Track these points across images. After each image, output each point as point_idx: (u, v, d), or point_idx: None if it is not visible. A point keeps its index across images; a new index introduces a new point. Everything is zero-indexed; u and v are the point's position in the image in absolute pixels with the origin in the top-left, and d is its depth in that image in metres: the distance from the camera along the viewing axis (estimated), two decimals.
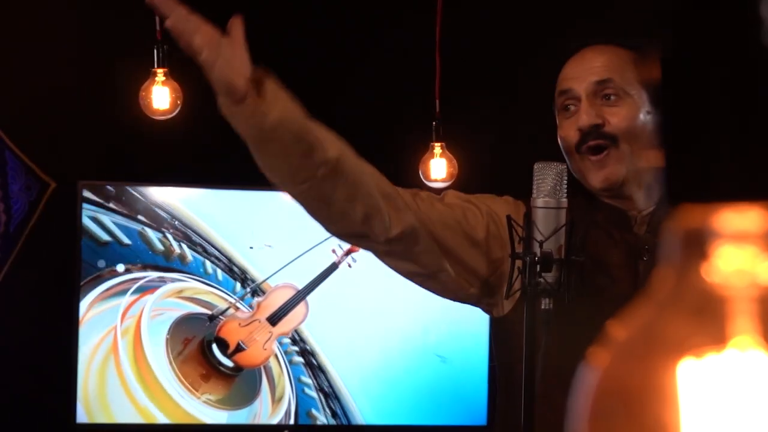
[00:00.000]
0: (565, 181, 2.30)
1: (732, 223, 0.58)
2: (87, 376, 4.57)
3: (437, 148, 4.48)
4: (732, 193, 0.58)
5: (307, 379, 4.69)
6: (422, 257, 2.39)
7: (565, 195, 2.29)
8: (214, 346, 4.63)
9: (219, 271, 4.68)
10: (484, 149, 4.77)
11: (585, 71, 2.41)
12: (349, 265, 4.65)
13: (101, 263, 4.60)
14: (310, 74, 4.97)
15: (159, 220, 4.64)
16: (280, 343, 4.67)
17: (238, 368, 4.64)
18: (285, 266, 4.68)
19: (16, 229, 4.68)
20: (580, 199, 2.37)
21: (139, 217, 4.64)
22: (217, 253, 4.66)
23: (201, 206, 4.69)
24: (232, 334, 4.65)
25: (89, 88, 4.70)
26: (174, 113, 4.13)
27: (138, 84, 4.19)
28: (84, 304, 4.56)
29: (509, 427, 2.44)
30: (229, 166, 4.87)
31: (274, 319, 4.67)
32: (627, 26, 2.49)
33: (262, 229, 4.67)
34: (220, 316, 4.65)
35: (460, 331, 4.76)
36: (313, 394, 4.69)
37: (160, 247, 4.65)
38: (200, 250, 4.66)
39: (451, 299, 2.53)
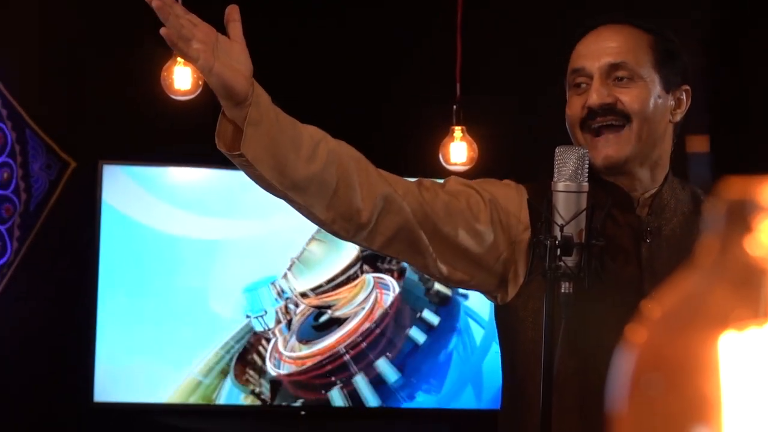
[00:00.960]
0: (587, 166, 2.29)
1: None
2: (105, 355, 4.59)
3: (457, 132, 4.47)
4: None
5: None
6: (416, 259, 2.39)
7: (586, 179, 2.28)
8: None
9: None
10: (505, 133, 4.76)
11: (599, 51, 2.40)
12: None
13: (121, 242, 4.62)
14: (331, 59, 4.97)
15: (179, 199, 4.66)
16: None
17: None
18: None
19: (37, 208, 4.70)
20: (589, 181, 2.36)
21: (159, 196, 4.65)
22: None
23: (220, 187, 4.71)
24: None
25: (111, 69, 4.71)
26: (195, 94, 4.13)
27: (160, 64, 4.19)
28: (103, 282, 4.58)
29: (516, 408, 2.44)
30: None
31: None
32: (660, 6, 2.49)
33: (279, 208, 4.68)
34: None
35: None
36: None
37: (180, 226, 4.66)
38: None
39: (455, 287, 2.55)
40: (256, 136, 2.19)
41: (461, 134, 4.47)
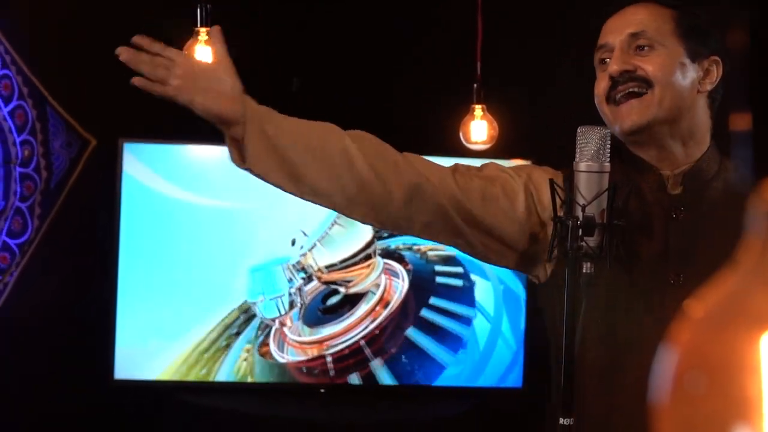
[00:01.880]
0: (609, 146, 2.29)
1: None
2: (126, 332, 4.61)
3: (478, 110, 4.47)
4: None
5: None
6: (455, 242, 2.42)
7: (608, 159, 2.28)
8: None
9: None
10: (525, 112, 4.75)
11: (621, 25, 2.42)
12: None
13: (141, 219, 4.63)
14: (353, 38, 4.96)
15: (199, 177, 4.67)
16: None
17: None
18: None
19: (57, 186, 4.71)
20: (616, 160, 2.36)
21: (179, 174, 4.66)
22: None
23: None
24: None
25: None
26: None
27: (181, 43, 4.18)
28: (123, 260, 4.60)
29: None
30: None
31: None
32: None
33: None
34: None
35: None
36: None
37: (201, 204, 4.67)
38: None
39: (496, 266, 2.56)
40: (258, 150, 2.27)
41: (482, 113, 4.46)
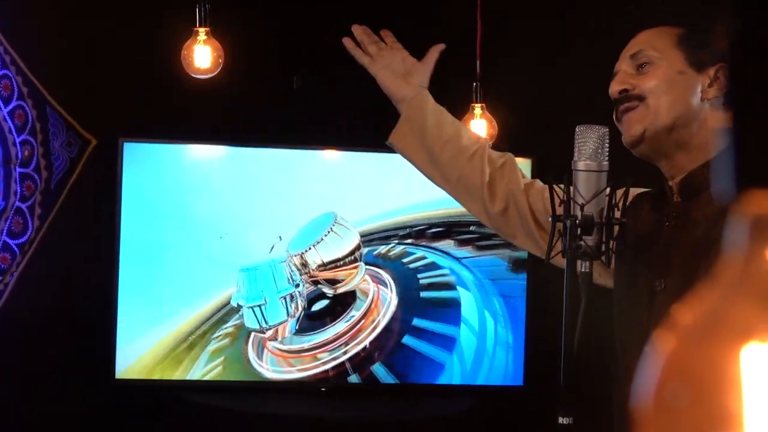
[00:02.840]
0: (607, 145, 2.29)
1: None
2: (126, 332, 4.61)
3: (477, 109, 4.47)
4: None
5: None
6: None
7: (607, 158, 2.28)
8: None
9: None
10: (525, 110, 4.75)
11: (625, 51, 2.46)
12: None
13: (141, 219, 4.63)
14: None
15: (199, 177, 4.67)
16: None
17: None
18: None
19: (57, 186, 4.71)
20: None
21: (179, 173, 4.66)
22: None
23: (239, 164, 4.71)
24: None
25: (132, 47, 4.71)
26: (215, 72, 4.14)
27: (180, 43, 4.19)
28: (124, 260, 4.60)
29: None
30: (270, 125, 4.89)
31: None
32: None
33: (297, 186, 4.69)
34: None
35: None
36: None
37: (200, 203, 4.67)
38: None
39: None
40: (404, 130, 2.79)
41: (481, 111, 4.47)
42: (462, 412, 4.81)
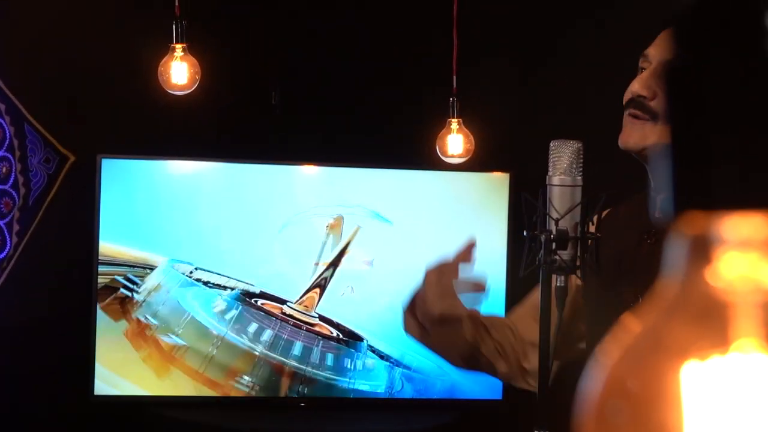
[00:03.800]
0: (582, 160, 2.30)
1: (736, 230, 0.59)
2: (104, 349, 4.60)
3: (454, 124, 4.48)
4: (736, 200, 0.59)
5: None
6: None
7: (581, 173, 2.29)
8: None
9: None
10: (501, 125, 4.77)
11: (658, 48, 2.41)
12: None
13: (119, 236, 4.62)
14: (329, 53, 4.98)
15: (178, 193, 4.66)
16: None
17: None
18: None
19: (36, 202, 4.71)
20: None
21: (158, 190, 4.65)
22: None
23: (219, 180, 4.71)
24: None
25: (109, 63, 4.72)
26: (192, 88, 4.15)
27: (157, 59, 4.20)
28: (101, 277, 4.59)
29: None
30: (248, 140, 4.90)
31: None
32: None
33: (282, 203, 4.69)
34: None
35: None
36: None
37: (179, 220, 4.67)
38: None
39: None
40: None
41: (458, 126, 4.48)
42: (442, 426, 4.81)
